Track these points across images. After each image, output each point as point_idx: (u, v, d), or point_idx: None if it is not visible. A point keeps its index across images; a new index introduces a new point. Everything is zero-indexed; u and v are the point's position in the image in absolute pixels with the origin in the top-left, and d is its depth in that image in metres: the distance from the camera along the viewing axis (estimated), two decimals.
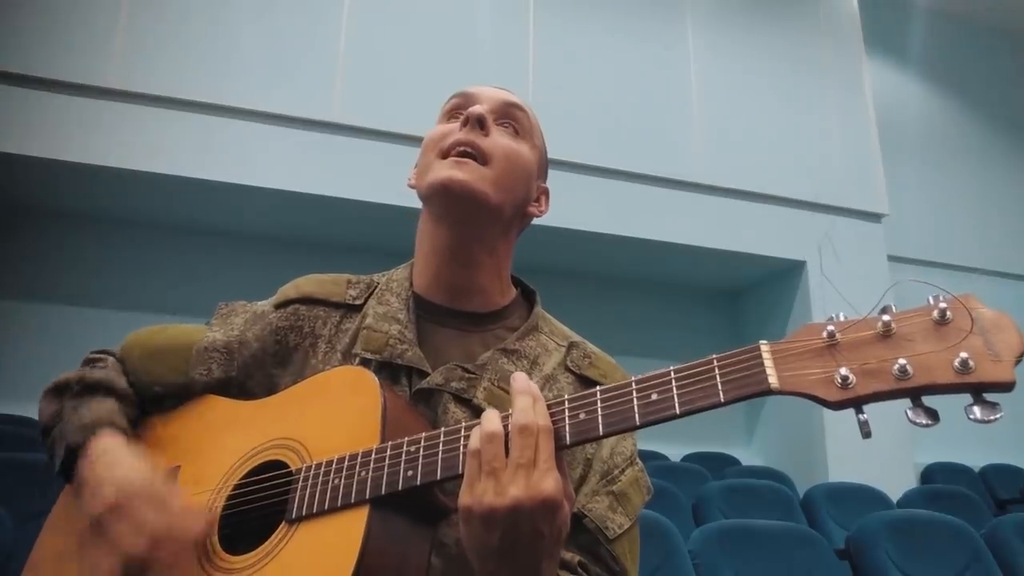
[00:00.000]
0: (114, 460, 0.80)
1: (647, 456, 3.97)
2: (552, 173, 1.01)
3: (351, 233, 4.21)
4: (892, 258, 5.07)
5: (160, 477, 0.79)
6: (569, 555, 0.79)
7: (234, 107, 3.68)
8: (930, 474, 4.63)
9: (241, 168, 3.63)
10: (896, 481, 3.90)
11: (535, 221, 0.99)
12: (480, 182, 0.86)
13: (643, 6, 4.78)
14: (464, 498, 0.66)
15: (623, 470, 0.87)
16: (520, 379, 0.70)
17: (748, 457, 4.84)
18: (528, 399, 0.68)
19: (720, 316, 5.38)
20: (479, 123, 0.89)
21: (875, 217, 5.01)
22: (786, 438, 4.67)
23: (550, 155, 1.02)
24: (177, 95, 3.59)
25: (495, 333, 0.92)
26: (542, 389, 0.87)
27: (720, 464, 4.33)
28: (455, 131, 0.89)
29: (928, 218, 5.81)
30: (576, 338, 0.96)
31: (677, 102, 4.68)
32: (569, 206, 3.98)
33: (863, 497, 3.41)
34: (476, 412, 0.83)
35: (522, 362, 0.89)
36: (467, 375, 0.85)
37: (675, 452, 4.45)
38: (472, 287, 0.91)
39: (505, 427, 0.67)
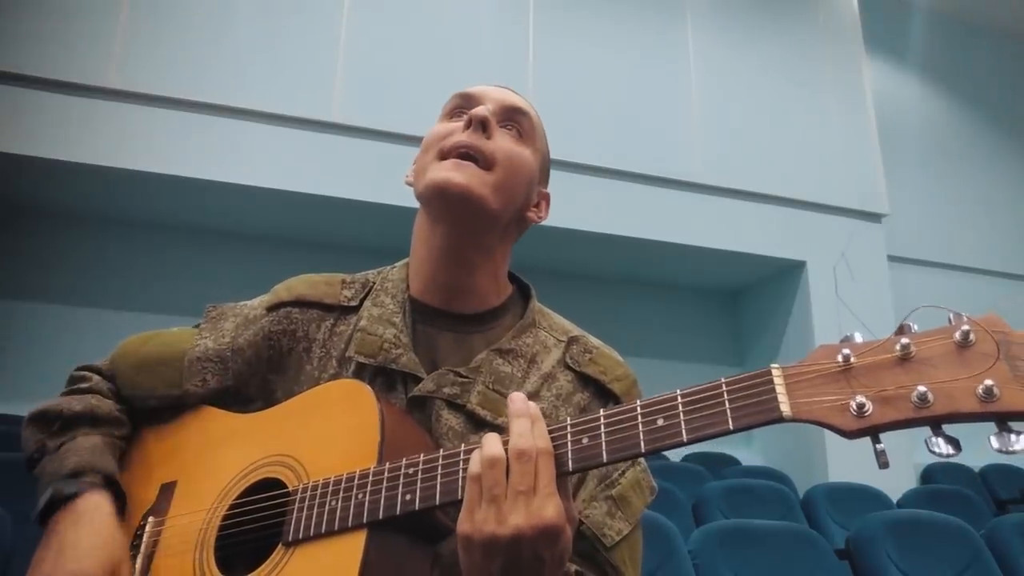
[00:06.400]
0: (85, 539, 0.78)
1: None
2: (552, 173, 1.00)
3: (351, 233, 4.21)
4: (892, 258, 5.07)
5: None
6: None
7: (234, 107, 3.67)
8: (930, 474, 4.62)
9: (241, 168, 3.63)
10: (896, 481, 3.89)
11: None
12: (480, 186, 0.83)
13: (643, 6, 4.78)
14: (464, 525, 0.64)
15: (623, 472, 0.84)
16: (517, 400, 0.67)
17: (748, 457, 4.84)
18: (526, 422, 0.65)
19: (720, 316, 5.38)
20: (482, 125, 0.85)
21: (875, 217, 5.00)
22: (786, 438, 4.66)
23: (550, 155, 1.00)
24: (177, 95, 3.59)
25: (491, 333, 0.89)
26: (541, 388, 0.85)
27: (720, 464, 4.32)
28: (457, 131, 0.86)
29: (928, 218, 5.80)
30: (576, 332, 0.93)
31: (677, 102, 4.68)
32: (569, 206, 3.98)
33: (863, 497, 3.40)
34: (470, 418, 0.81)
35: (518, 361, 0.86)
36: (460, 379, 0.83)
37: (675, 452, 4.44)
38: (467, 289, 0.88)
39: (506, 450, 0.65)
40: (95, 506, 0.80)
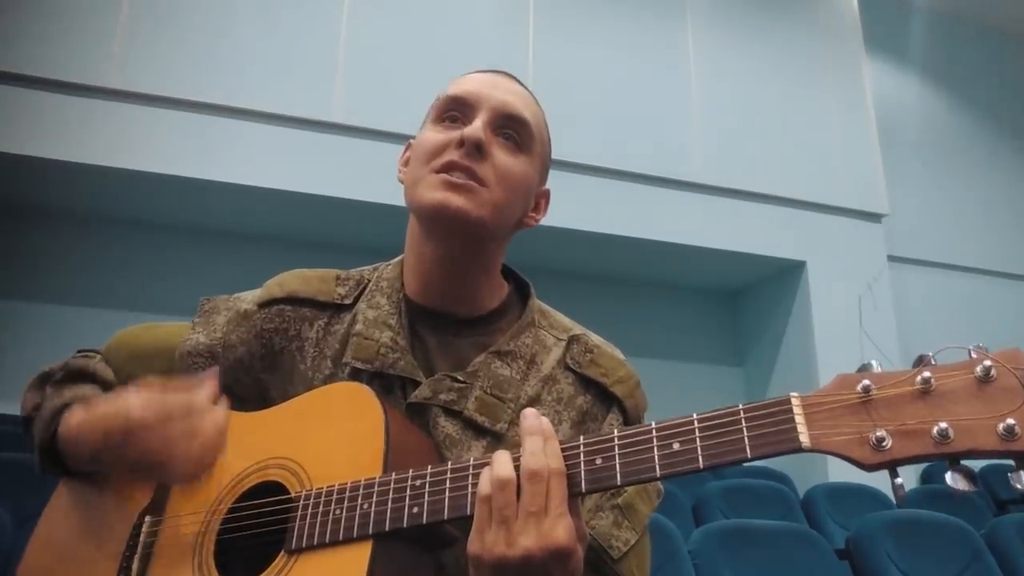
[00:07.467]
0: (103, 410, 0.77)
1: None
2: (552, 173, 0.98)
3: (351, 233, 4.20)
4: (892, 258, 5.07)
5: (155, 389, 0.77)
6: None
7: (234, 107, 3.67)
8: (930, 474, 4.62)
9: (241, 168, 3.62)
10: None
11: None
12: (477, 208, 0.80)
13: (643, 6, 4.78)
14: (474, 545, 0.63)
15: None
16: (530, 416, 0.66)
17: None
18: (539, 440, 0.64)
19: (720, 316, 5.37)
20: (477, 149, 0.81)
21: (875, 217, 5.01)
22: None
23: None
24: (177, 95, 3.59)
25: (489, 335, 0.87)
26: (541, 392, 0.84)
27: None
28: (450, 147, 0.82)
29: (928, 218, 5.80)
30: (578, 330, 0.91)
31: (677, 102, 4.68)
32: (569, 206, 3.98)
33: (863, 497, 3.40)
34: (467, 424, 0.80)
35: (517, 363, 0.84)
36: (457, 385, 0.81)
37: None
38: (463, 293, 0.87)
39: (516, 468, 0.64)
40: (94, 400, 0.81)
